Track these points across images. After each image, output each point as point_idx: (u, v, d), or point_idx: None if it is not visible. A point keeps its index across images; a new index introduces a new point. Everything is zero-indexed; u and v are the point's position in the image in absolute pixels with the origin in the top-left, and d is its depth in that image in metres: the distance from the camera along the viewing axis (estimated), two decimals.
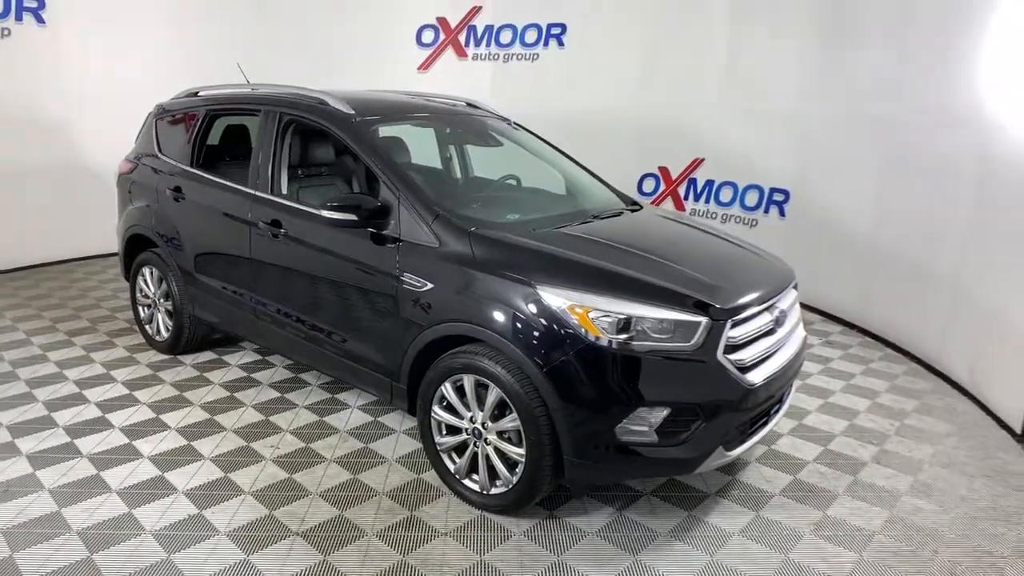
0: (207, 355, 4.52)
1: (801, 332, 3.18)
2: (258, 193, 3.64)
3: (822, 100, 5.67)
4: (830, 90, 5.60)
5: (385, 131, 3.60)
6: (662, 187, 7.15)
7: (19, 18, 6.15)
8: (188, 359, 4.45)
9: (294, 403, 3.88)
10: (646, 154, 7.14)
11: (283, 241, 3.47)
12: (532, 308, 2.61)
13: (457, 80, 7.79)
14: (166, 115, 4.49)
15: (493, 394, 2.72)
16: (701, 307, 2.58)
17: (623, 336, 2.50)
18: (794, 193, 6.10)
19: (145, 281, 4.54)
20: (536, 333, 2.58)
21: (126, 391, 3.98)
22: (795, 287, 3.19)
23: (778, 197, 6.24)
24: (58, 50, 6.41)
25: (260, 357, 4.49)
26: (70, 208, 6.70)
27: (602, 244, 2.96)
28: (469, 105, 4.33)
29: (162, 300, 4.43)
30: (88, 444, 3.37)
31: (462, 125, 4.14)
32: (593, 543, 2.72)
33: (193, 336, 4.39)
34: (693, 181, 6.94)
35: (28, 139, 6.36)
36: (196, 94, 4.41)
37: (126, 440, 3.42)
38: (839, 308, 5.70)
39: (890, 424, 3.83)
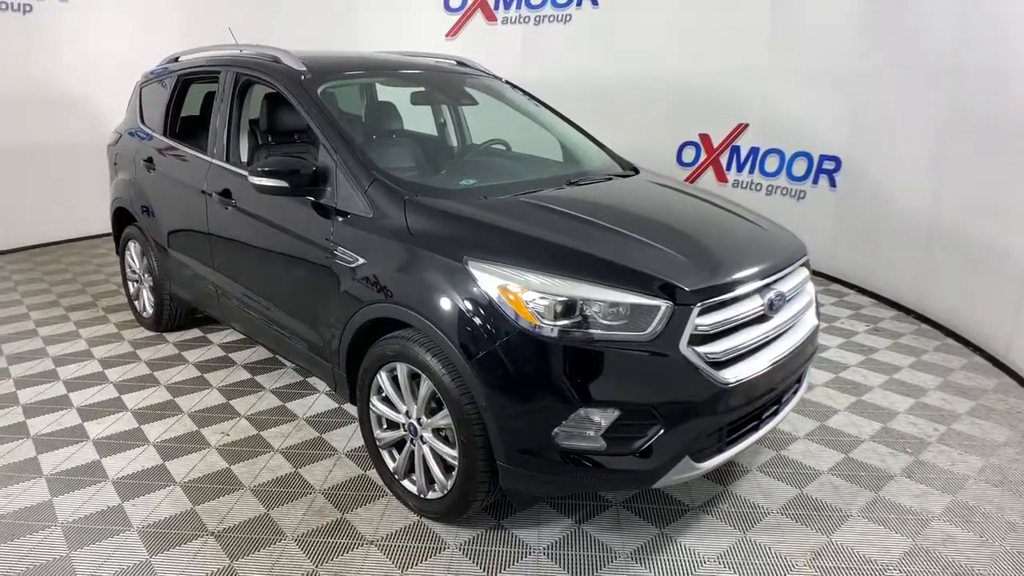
0: (193, 332, 4.37)
1: (811, 319, 2.65)
2: (213, 161, 3.38)
3: (877, 53, 4.94)
4: (886, 41, 4.86)
5: (344, 91, 3.27)
6: (703, 156, 6.54)
7: None
8: (173, 336, 4.31)
9: (261, 386, 3.64)
10: (686, 120, 6.55)
11: (234, 212, 3.21)
12: (461, 287, 2.21)
13: (486, 46, 7.38)
14: (149, 82, 4.31)
15: (425, 386, 2.36)
16: (665, 289, 2.12)
17: (563, 322, 2.08)
18: (846, 160, 5.39)
19: (131, 256, 4.42)
20: (465, 317, 2.19)
21: (99, 369, 3.85)
22: (805, 265, 2.66)
23: (828, 165, 5.54)
24: (82, 26, 6.39)
25: (244, 336, 4.27)
26: (96, 184, 6.71)
27: (562, 214, 2.52)
28: (460, 64, 3.92)
29: (146, 276, 4.29)
30: (39, 424, 3.23)
31: (439, 84, 3.72)
32: (537, 563, 2.33)
33: (176, 312, 4.23)
34: (736, 149, 6.30)
35: (51, 116, 6.39)
36: (177, 59, 4.20)
37: (78, 421, 3.27)
38: (893, 290, 5.00)
39: (934, 429, 3.23)
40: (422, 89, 3.61)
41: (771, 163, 6.02)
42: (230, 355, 4.04)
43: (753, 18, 5.81)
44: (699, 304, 2.12)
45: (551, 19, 7.20)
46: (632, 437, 2.12)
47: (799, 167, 5.79)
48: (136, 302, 4.47)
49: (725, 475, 2.82)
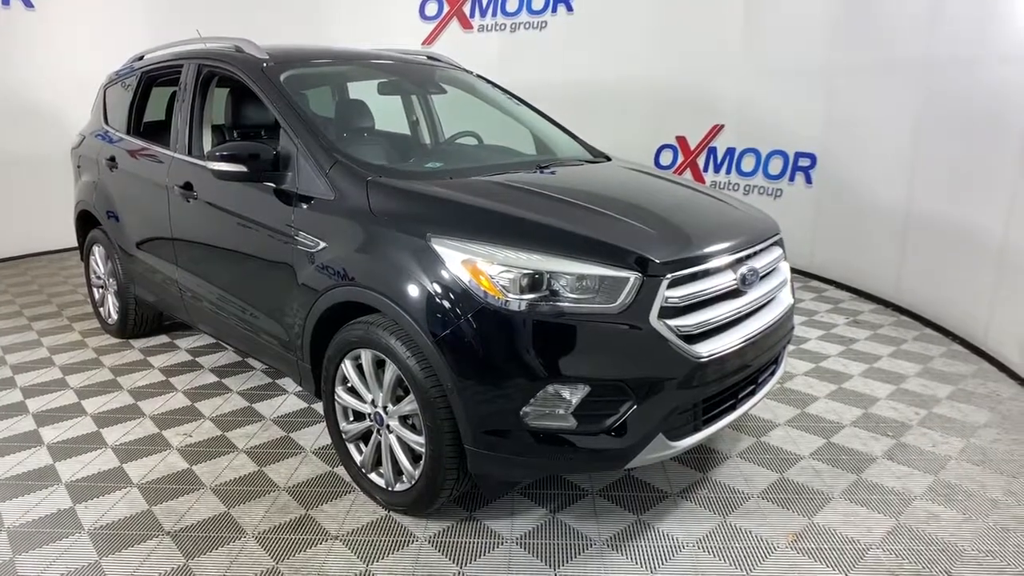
0: (160, 339, 4.23)
1: (787, 298, 2.60)
2: (175, 155, 3.29)
3: (848, 48, 4.98)
4: (856, 35, 4.91)
5: (310, 81, 3.21)
6: (680, 158, 6.53)
7: (6, 2, 6.05)
8: (139, 343, 4.17)
9: (229, 388, 3.52)
10: (663, 123, 6.54)
11: (195, 205, 3.11)
12: (424, 265, 2.14)
13: (463, 53, 7.33)
14: (112, 83, 4.23)
15: (390, 371, 2.28)
16: (634, 261, 2.06)
17: (530, 296, 2.01)
18: (821, 157, 5.41)
19: (96, 261, 4.30)
20: (428, 295, 2.11)
21: (59, 375, 3.71)
22: (778, 244, 2.61)
23: (804, 163, 5.55)
24: (49, 34, 6.29)
25: (213, 341, 4.16)
26: (65, 196, 6.57)
27: (528, 192, 2.46)
28: (430, 59, 3.88)
29: (110, 280, 4.16)
30: None
31: (407, 75, 3.66)
32: (509, 553, 2.23)
33: (142, 318, 4.10)
34: (713, 150, 6.30)
35: (19, 126, 6.26)
36: (142, 57, 4.12)
37: (33, 427, 3.13)
38: (872, 284, 4.99)
39: (915, 413, 3.18)
40: (388, 79, 3.54)
41: (747, 163, 6.03)
42: (197, 359, 3.91)
43: (726, 20, 5.84)
44: (668, 276, 2.06)
45: (527, 26, 7.21)
46: (604, 414, 2.04)
47: (775, 166, 5.80)
48: (101, 309, 4.34)
49: (704, 462, 2.75)
